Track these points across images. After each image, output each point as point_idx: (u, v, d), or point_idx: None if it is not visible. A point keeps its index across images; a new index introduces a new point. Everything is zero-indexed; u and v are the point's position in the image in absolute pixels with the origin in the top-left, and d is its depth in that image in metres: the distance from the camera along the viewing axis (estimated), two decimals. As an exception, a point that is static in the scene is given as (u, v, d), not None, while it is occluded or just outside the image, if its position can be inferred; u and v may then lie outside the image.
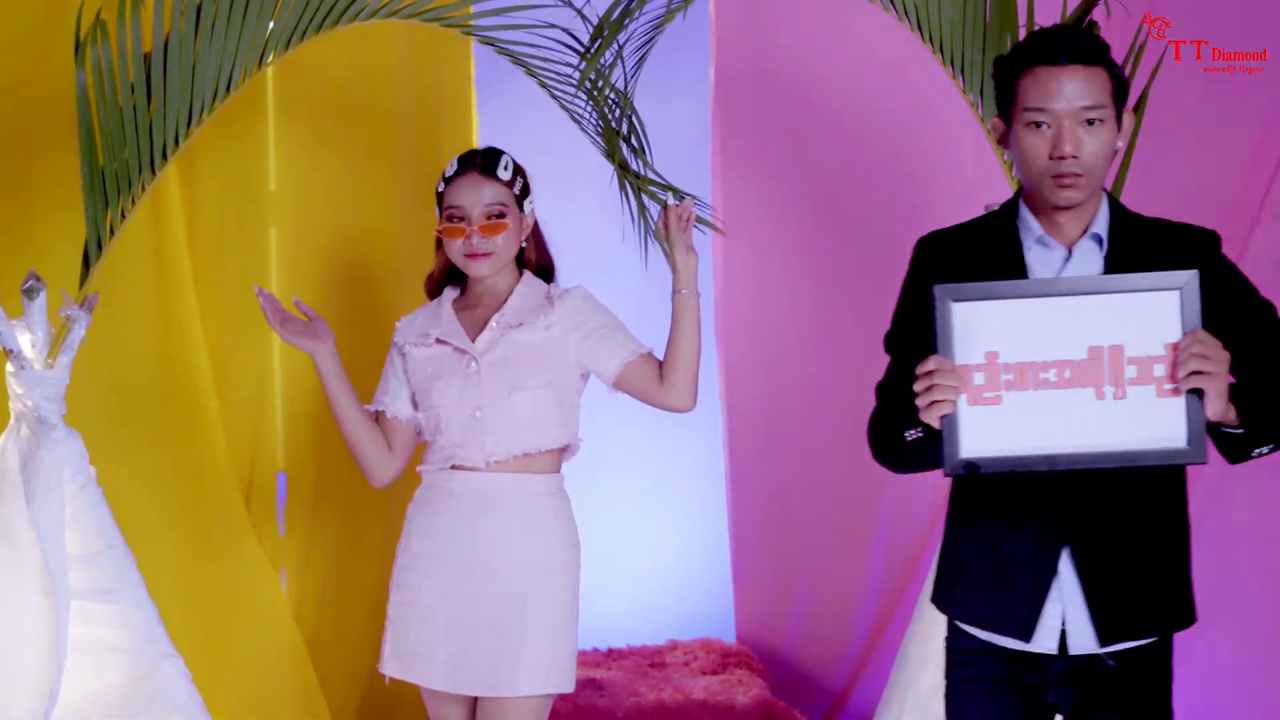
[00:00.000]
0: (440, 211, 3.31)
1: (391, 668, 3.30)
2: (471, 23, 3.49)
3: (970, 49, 3.23)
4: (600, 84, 3.60)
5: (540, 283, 3.33)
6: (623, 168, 3.54)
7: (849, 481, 4.60)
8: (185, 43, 3.09)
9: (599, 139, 3.61)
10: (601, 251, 4.05)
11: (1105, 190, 2.60)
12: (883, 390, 2.68)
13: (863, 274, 4.51)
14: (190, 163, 3.97)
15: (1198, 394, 2.38)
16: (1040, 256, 2.58)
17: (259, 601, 4.09)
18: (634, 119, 3.60)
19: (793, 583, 4.75)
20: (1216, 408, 2.39)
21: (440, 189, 3.31)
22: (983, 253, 2.61)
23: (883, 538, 4.64)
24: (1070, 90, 2.49)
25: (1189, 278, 2.39)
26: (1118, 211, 2.62)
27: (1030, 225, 2.59)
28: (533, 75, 3.54)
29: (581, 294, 3.30)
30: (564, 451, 3.29)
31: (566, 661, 3.23)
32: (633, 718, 4.34)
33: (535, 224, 3.36)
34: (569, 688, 3.24)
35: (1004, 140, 2.60)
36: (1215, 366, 2.37)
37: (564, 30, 3.53)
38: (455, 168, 3.30)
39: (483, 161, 3.29)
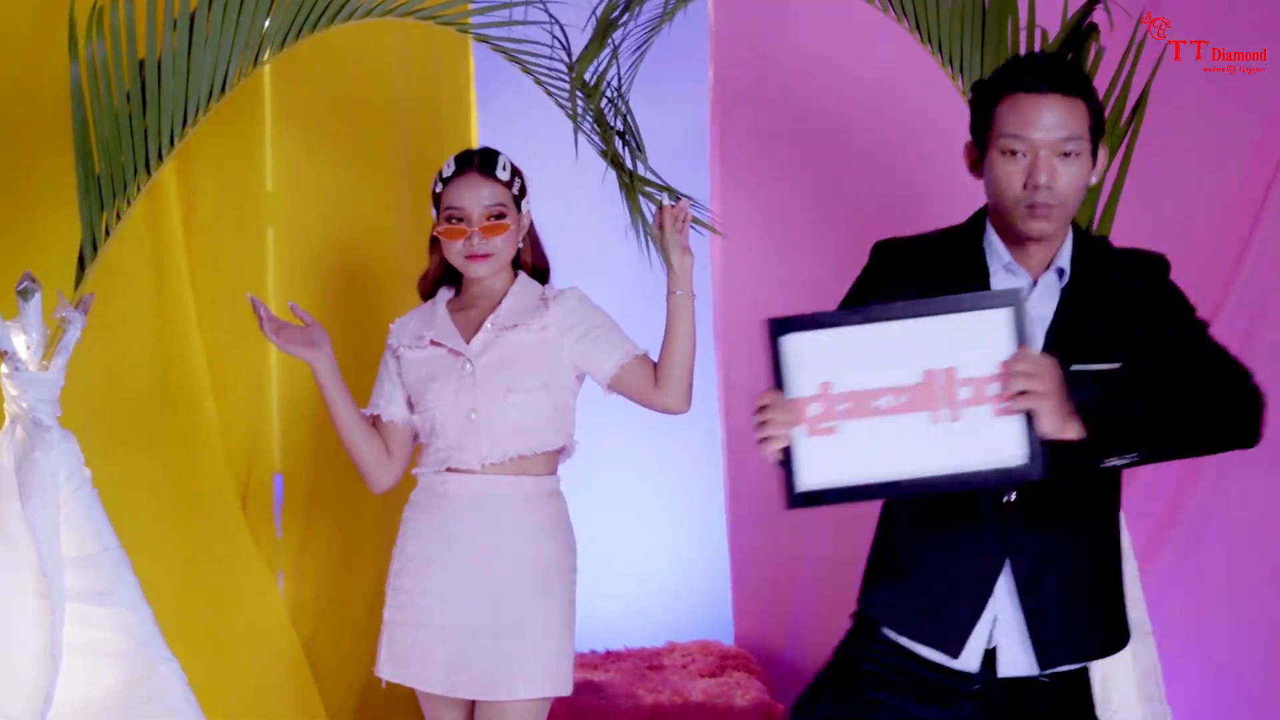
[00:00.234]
0: (438, 212, 3.29)
1: (388, 671, 3.29)
2: (468, 20, 3.48)
3: (969, 49, 3.22)
4: (596, 82, 3.59)
5: (535, 284, 3.31)
6: (618, 166, 3.52)
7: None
8: (180, 43, 3.07)
9: (595, 137, 3.60)
10: (598, 252, 4.05)
11: (1073, 221, 2.59)
12: None
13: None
14: (186, 163, 3.96)
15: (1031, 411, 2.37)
16: (1006, 284, 2.56)
17: (256, 604, 4.08)
18: (629, 118, 3.58)
19: (791, 585, 4.73)
20: (1048, 426, 2.36)
21: (437, 189, 3.30)
22: (947, 270, 2.60)
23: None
24: (1049, 120, 2.47)
25: (1017, 295, 2.38)
26: (1081, 243, 2.60)
27: (998, 250, 2.57)
28: (528, 72, 3.52)
29: (576, 295, 3.29)
30: (560, 453, 3.28)
31: (564, 664, 3.22)
32: (630, 720, 4.34)
33: (531, 225, 3.35)
34: (566, 691, 3.23)
35: (975, 166, 2.57)
36: (1042, 384, 2.35)
37: (560, 27, 3.52)
38: (453, 168, 3.28)
39: (481, 162, 3.28)
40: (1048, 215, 2.48)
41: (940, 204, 4.42)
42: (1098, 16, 3.23)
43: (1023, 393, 2.35)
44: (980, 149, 2.55)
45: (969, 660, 2.58)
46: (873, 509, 4.64)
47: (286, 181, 4.17)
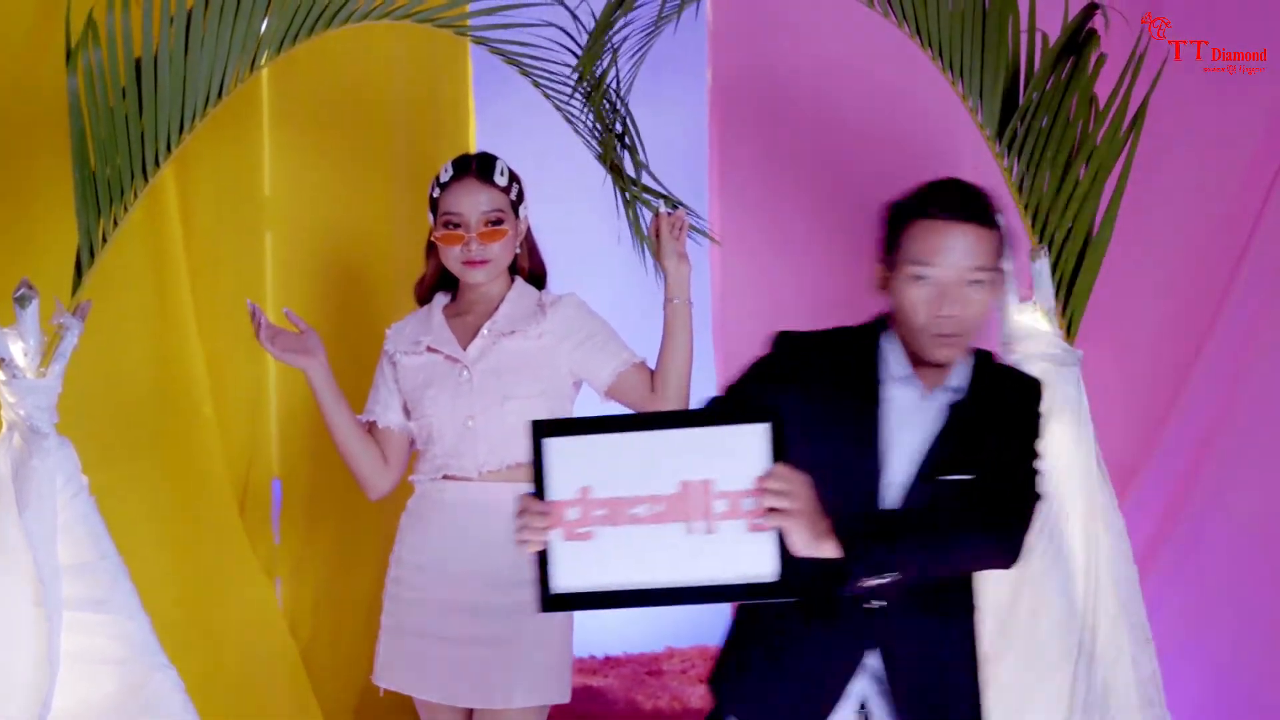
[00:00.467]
0: (435, 217, 3.28)
1: (385, 678, 3.28)
2: (466, 22, 3.47)
3: (970, 54, 3.21)
4: (596, 84, 3.58)
5: (532, 290, 3.30)
6: (615, 171, 3.51)
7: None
8: (176, 47, 3.06)
9: (593, 141, 3.59)
10: (596, 258, 4.03)
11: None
12: None
13: (862, 278, 4.48)
14: (185, 168, 3.95)
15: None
16: (899, 395, 2.56)
17: (253, 610, 4.07)
18: (628, 121, 3.57)
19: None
20: (798, 543, 2.35)
21: (435, 194, 3.29)
22: (838, 374, 2.59)
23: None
24: (960, 250, 2.46)
25: (775, 411, 2.37)
26: (980, 364, 2.60)
27: (893, 366, 2.57)
28: (526, 75, 3.52)
29: (574, 302, 3.27)
30: (558, 460, 3.26)
31: (562, 671, 3.22)
32: (630, 725, 4.34)
33: (529, 230, 3.34)
34: (565, 698, 3.22)
35: (883, 284, 2.57)
36: (794, 503, 2.33)
37: (559, 29, 3.51)
38: (450, 173, 3.27)
39: (479, 167, 3.27)
40: (953, 343, 2.49)
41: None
42: (1099, 22, 3.22)
43: (774, 510, 2.34)
44: (888, 268, 2.55)
45: None
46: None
47: (284, 186, 4.16)
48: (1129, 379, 3.99)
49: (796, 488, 2.34)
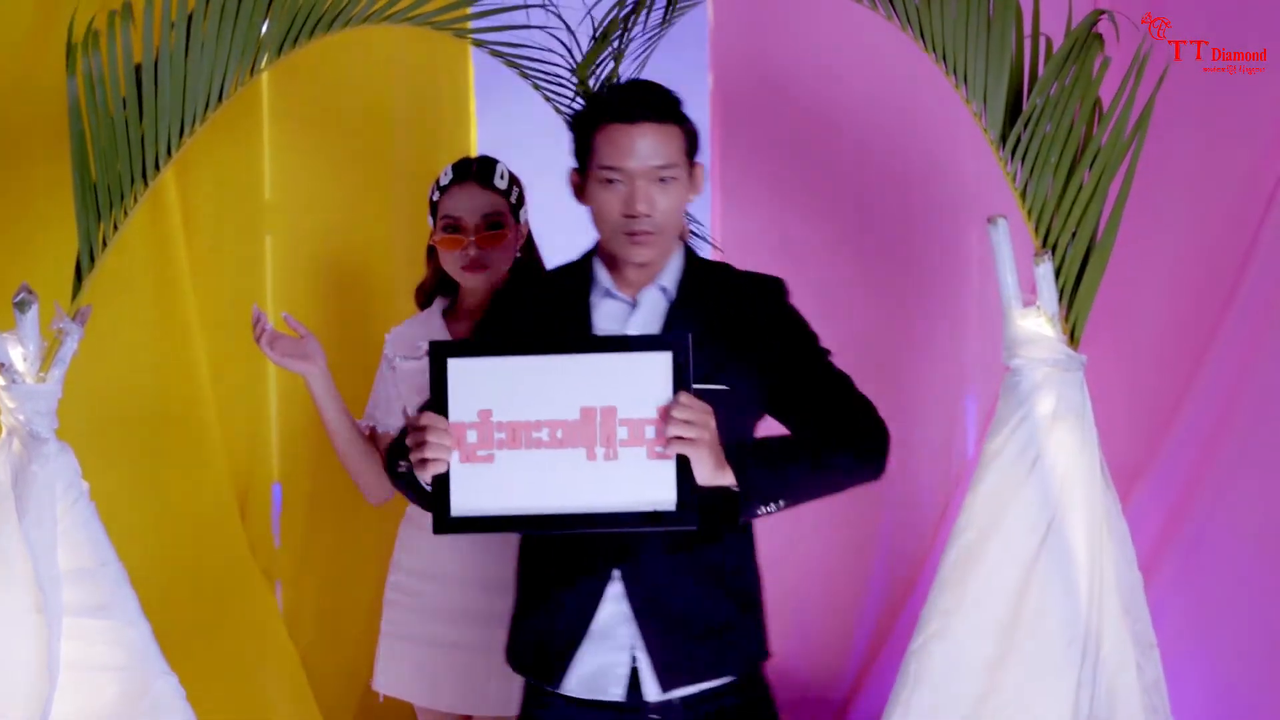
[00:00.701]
0: (435, 221, 3.27)
1: (385, 684, 3.28)
2: (467, 24, 3.47)
3: (973, 56, 3.19)
4: (596, 87, 3.58)
5: (533, 294, 3.29)
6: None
7: (849, 492, 4.57)
8: (176, 51, 3.05)
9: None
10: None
11: (683, 240, 2.64)
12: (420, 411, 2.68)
13: (864, 284, 4.48)
14: (185, 172, 3.95)
15: (686, 458, 2.38)
16: (607, 309, 2.61)
17: (254, 614, 4.06)
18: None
19: (792, 594, 4.70)
20: (702, 473, 2.40)
21: (435, 198, 3.28)
22: (552, 303, 2.64)
23: (882, 547, 4.61)
24: (644, 149, 2.51)
25: (681, 339, 2.39)
26: (690, 263, 2.65)
27: (599, 278, 2.62)
28: (527, 78, 3.52)
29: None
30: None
31: (565, 677, 3.20)
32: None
33: (529, 233, 3.33)
34: (568, 703, 3.21)
35: (579, 192, 2.61)
36: (699, 432, 2.37)
37: (560, 31, 3.50)
38: (450, 176, 3.27)
39: (479, 170, 3.26)
40: (648, 241, 2.53)
41: (943, 209, 4.43)
42: (1104, 27, 3.21)
43: (680, 438, 2.36)
44: (582, 177, 2.59)
45: (611, 689, 2.59)
46: (879, 521, 4.69)
47: (285, 189, 4.16)
48: (1133, 383, 3.98)
49: (703, 417, 2.38)
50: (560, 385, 2.40)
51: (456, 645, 3.18)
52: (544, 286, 2.71)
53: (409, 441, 2.42)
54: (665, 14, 3.56)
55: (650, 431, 2.39)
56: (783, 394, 2.60)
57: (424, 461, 2.40)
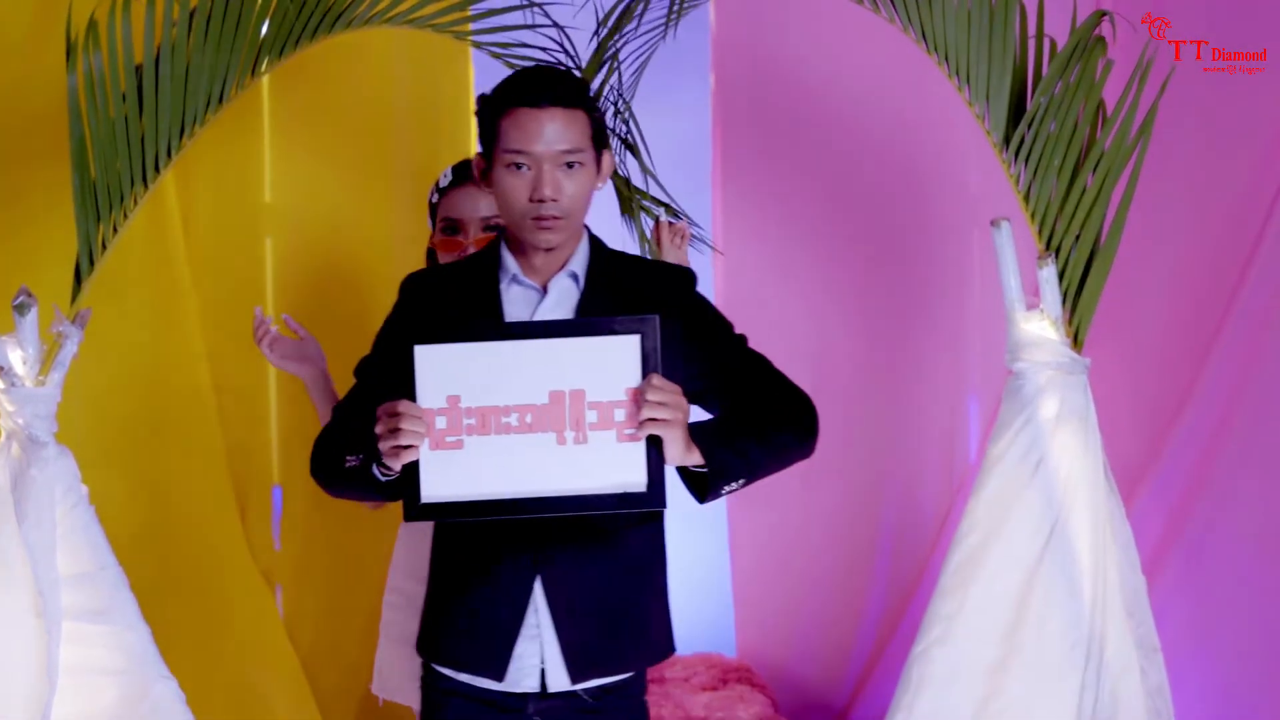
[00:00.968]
0: (435, 223, 3.26)
1: (384, 689, 3.27)
2: (467, 26, 3.46)
3: (976, 57, 3.19)
4: (599, 89, 3.57)
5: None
6: (616, 176, 3.50)
7: (850, 495, 4.58)
8: (178, 51, 3.05)
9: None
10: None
11: (587, 229, 2.62)
12: (338, 409, 2.69)
13: (866, 288, 4.48)
14: (185, 173, 3.94)
15: (656, 440, 2.39)
16: (516, 296, 2.60)
17: (253, 617, 4.06)
18: (634, 123, 3.56)
19: (794, 597, 4.71)
20: (674, 453, 2.41)
21: (434, 199, 3.27)
22: (461, 292, 2.62)
23: (885, 551, 4.61)
24: (550, 133, 2.50)
25: (649, 322, 2.39)
26: (597, 251, 2.64)
27: (508, 265, 2.61)
28: (528, 80, 3.49)
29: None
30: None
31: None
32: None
33: (531, 236, 3.32)
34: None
35: (484, 178, 2.60)
36: (671, 413, 2.38)
37: (561, 31, 3.50)
38: (450, 178, 3.25)
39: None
40: (554, 226, 2.52)
41: (945, 213, 4.43)
42: (1106, 29, 3.21)
43: (654, 419, 2.37)
44: (488, 162, 2.58)
45: (524, 680, 2.59)
46: (880, 523, 4.68)
47: (285, 191, 4.17)
48: (1135, 386, 3.98)
49: (675, 398, 2.39)
50: (528, 370, 2.39)
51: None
52: (452, 273, 2.69)
53: (380, 429, 2.39)
54: (668, 15, 3.55)
55: (620, 414, 2.40)
56: (710, 380, 2.60)
57: (397, 450, 2.38)
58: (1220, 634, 3.88)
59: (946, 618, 3.14)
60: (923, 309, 4.45)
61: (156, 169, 3.08)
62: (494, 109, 2.56)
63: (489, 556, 2.57)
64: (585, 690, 2.59)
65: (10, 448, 3.04)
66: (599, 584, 2.58)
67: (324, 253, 4.20)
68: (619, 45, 3.61)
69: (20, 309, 2.98)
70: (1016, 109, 3.21)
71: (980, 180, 4.28)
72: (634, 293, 2.60)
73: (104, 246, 3.06)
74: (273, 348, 3.22)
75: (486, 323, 2.54)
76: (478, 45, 3.50)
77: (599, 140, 2.56)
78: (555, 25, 3.49)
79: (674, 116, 4.40)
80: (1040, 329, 3.14)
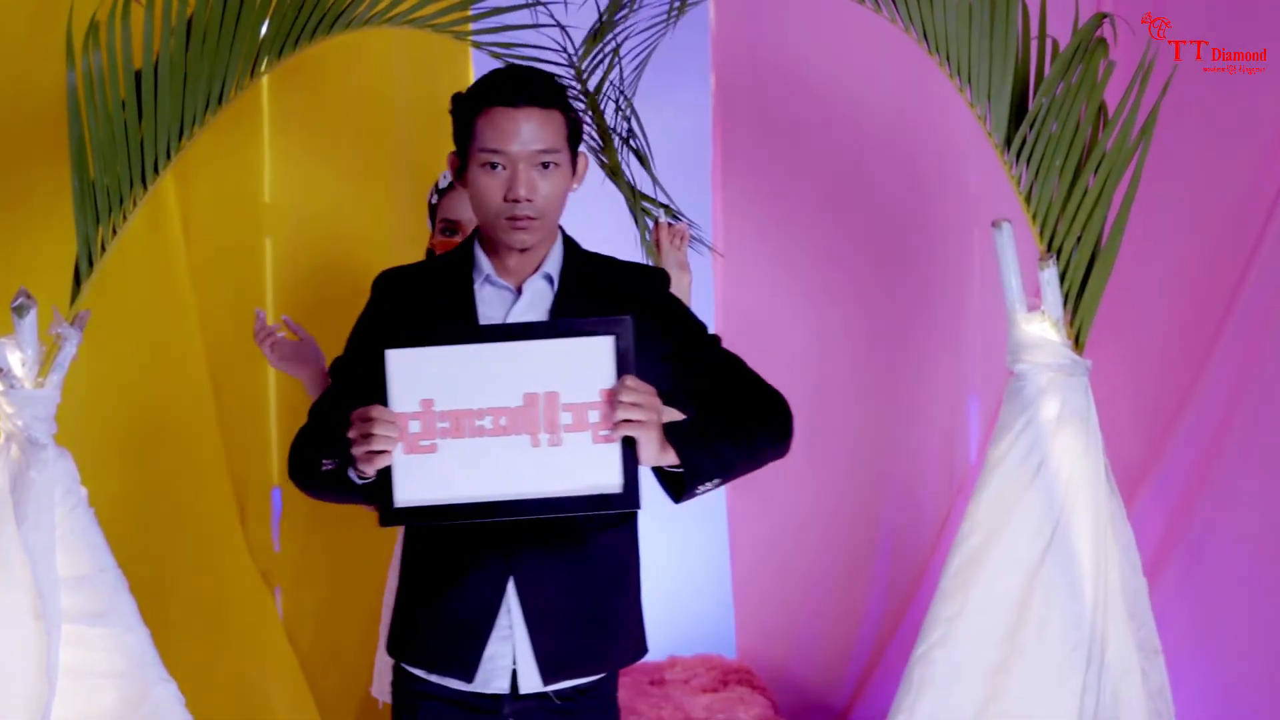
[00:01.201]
0: (434, 223, 3.26)
1: (383, 690, 3.26)
2: (467, 27, 3.46)
3: (977, 57, 3.19)
4: (598, 87, 3.56)
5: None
6: (614, 174, 3.49)
7: (850, 496, 4.57)
8: (177, 53, 3.04)
9: (596, 147, 3.57)
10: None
11: (562, 230, 2.61)
12: (314, 411, 2.68)
13: (866, 288, 4.47)
14: (185, 174, 3.93)
15: (631, 441, 2.38)
16: (490, 296, 2.58)
17: (253, 619, 4.05)
18: (635, 121, 3.56)
19: (794, 598, 4.71)
20: (649, 454, 2.40)
21: (433, 200, 3.27)
22: (434, 291, 2.60)
23: (885, 553, 4.61)
24: (526, 133, 2.48)
25: (623, 323, 2.38)
26: (571, 251, 2.62)
27: (481, 265, 2.59)
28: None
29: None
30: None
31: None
32: (632, 736, 4.31)
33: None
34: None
35: (461, 178, 2.58)
36: (646, 414, 2.37)
37: (561, 32, 3.49)
38: (449, 179, 3.25)
39: (479, 173, 3.24)
40: (529, 226, 2.50)
41: (946, 212, 4.42)
42: (1107, 31, 3.20)
43: (627, 420, 2.36)
44: (463, 161, 2.56)
45: (495, 682, 2.57)
46: (880, 525, 4.68)
47: (285, 191, 4.16)
48: (1136, 387, 3.97)
49: (650, 399, 2.38)
50: (502, 372, 2.38)
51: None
52: (426, 272, 2.67)
53: (353, 434, 2.37)
54: (668, 14, 3.54)
55: (594, 416, 2.38)
56: (684, 380, 2.59)
57: (370, 455, 2.37)
58: (1220, 634, 3.87)
59: (948, 619, 3.13)
60: (923, 309, 4.44)
61: (156, 170, 3.07)
62: (469, 107, 2.53)
63: (462, 557, 2.56)
64: (555, 692, 2.57)
65: (9, 450, 3.03)
66: (572, 586, 2.56)
67: (324, 253, 4.19)
68: (619, 39, 3.61)
69: (19, 310, 2.98)
70: (1018, 110, 3.20)
71: (981, 181, 4.27)
72: (608, 294, 2.59)
73: (103, 248, 3.06)
74: (273, 348, 3.21)
75: (459, 325, 2.53)
76: (478, 45, 3.49)
77: (574, 142, 2.55)
78: (557, 25, 3.49)
79: (674, 116, 4.40)
80: (1041, 330, 3.14)
